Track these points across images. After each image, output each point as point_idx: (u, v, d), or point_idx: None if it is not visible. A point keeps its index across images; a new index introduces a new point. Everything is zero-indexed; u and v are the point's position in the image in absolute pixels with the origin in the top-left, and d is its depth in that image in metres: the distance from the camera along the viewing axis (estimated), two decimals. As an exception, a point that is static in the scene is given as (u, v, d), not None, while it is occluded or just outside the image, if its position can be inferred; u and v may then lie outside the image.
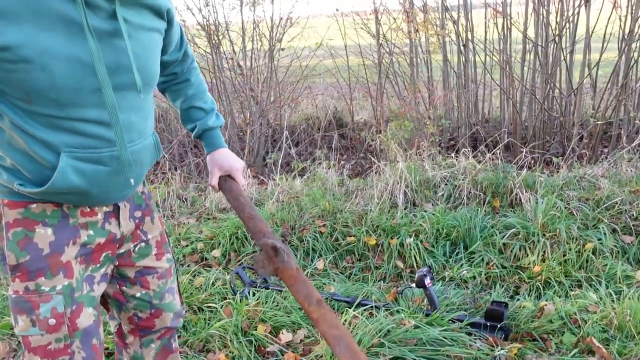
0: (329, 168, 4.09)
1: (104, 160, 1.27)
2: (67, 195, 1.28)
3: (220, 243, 3.24)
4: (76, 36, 1.15)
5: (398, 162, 3.72)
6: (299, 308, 2.51)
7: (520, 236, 2.96)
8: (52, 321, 1.31)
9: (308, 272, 2.95)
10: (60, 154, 1.22)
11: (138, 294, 1.53)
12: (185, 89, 1.66)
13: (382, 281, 2.87)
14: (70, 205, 1.33)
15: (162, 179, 4.34)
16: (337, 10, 5.06)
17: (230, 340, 2.31)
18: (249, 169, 4.26)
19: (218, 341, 2.34)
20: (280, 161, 4.24)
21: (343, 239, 3.15)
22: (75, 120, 1.21)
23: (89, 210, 1.36)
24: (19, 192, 1.24)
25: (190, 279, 2.85)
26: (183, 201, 3.98)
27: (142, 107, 1.36)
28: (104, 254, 1.41)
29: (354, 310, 2.34)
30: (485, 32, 4.95)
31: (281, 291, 2.65)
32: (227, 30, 4.91)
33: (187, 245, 3.29)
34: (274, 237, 1.36)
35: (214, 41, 4.80)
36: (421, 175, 3.65)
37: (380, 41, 4.84)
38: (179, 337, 2.44)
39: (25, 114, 1.19)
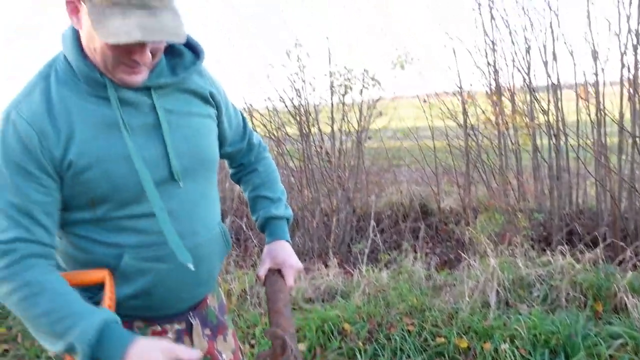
0: (416, 260, 4.03)
1: (166, 257, 1.25)
2: (131, 301, 1.26)
3: (305, 336, 3.22)
4: (119, 136, 1.17)
5: (488, 257, 3.61)
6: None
7: (629, 348, 2.73)
8: None
9: (396, 374, 2.86)
10: (122, 256, 1.22)
11: None
12: (254, 179, 1.61)
13: (475, 389, 2.72)
14: (141, 325, 1.31)
15: (251, 265, 4.44)
16: (424, 101, 5.16)
17: None
18: (334, 257, 4.28)
19: None
20: (367, 250, 4.24)
21: (432, 340, 3.04)
22: (136, 218, 1.22)
23: (160, 329, 1.34)
24: None
25: (276, 374, 2.83)
26: (270, 288, 4.02)
27: (205, 196, 1.35)
28: None
29: None
30: (578, 121, 4.83)
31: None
32: (317, 120, 5.12)
33: (273, 337, 3.30)
34: (291, 337, 1.27)
35: (304, 130, 5.01)
36: (514, 273, 3.50)
37: (467, 131, 4.84)
38: None
39: (89, 223, 1.21)
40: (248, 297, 3.86)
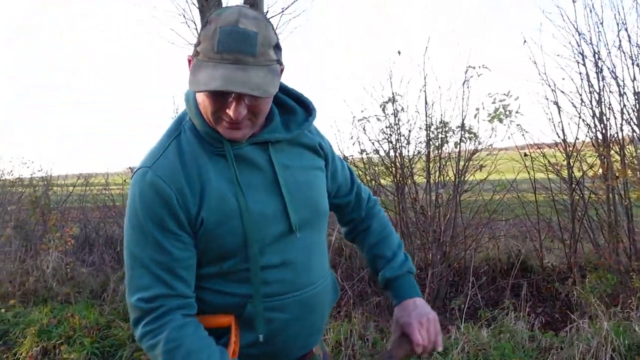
0: (518, 319, 3.84)
1: (287, 306, 1.29)
2: (251, 349, 1.30)
3: (403, 393, 3.14)
4: (241, 193, 1.24)
5: (600, 319, 3.37)
6: None
7: None
8: None
9: None
10: (246, 305, 1.26)
11: None
12: (368, 238, 1.60)
13: None
14: None
15: (345, 315, 4.43)
16: (525, 154, 5.01)
17: None
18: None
19: None
20: (465, 307, 4.10)
21: (540, 407, 2.86)
22: (260, 269, 1.26)
23: None
24: None
25: None
26: (364, 342, 3.98)
27: (319, 246, 1.39)
28: None
29: None
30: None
31: None
32: (412, 173, 5.12)
33: (369, 391, 3.24)
34: None
35: (399, 184, 5.02)
36: (630, 337, 3.24)
37: (573, 185, 4.63)
38: None
39: (216, 276, 1.27)
40: (342, 348, 3.84)
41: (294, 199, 1.31)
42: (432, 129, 5.16)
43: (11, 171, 7.79)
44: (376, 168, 5.43)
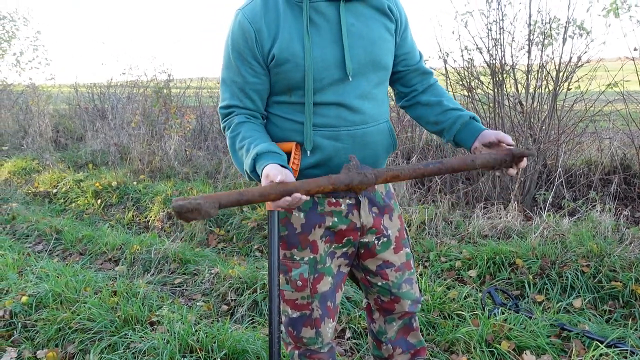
0: (603, 211, 3.89)
1: (340, 137, 1.59)
2: (312, 170, 1.61)
3: (477, 264, 3.42)
4: (303, 36, 1.52)
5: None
6: (547, 335, 2.54)
7: None
8: (299, 283, 1.69)
9: (562, 306, 2.91)
10: (304, 137, 1.59)
11: (379, 283, 1.79)
12: (433, 99, 1.73)
13: (646, 333, 2.67)
14: (320, 195, 1.65)
15: (432, 200, 4.70)
16: (635, 49, 4.73)
17: (474, 348, 2.48)
18: (515, 203, 4.32)
19: (462, 346, 2.54)
20: (550, 199, 4.19)
21: (607, 283, 3.01)
22: (318, 105, 1.57)
23: (334, 201, 1.68)
24: None
25: (444, 291, 3.09)
26: (448, 224, 4.25)
27: (374, 95, 1.64)
28: (346, 238, 1.71)
29: (607, 348, 2.28)
30: None
31: (530, 317, 2.70)
32: (513, 69, 5.05)
33: (446, 262, 3.55)
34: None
35: (497, 79, 5.00)
36: None
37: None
38: (428, 334, 2.71)
39: (286, 105, 1.60)
40: (426, 227, 4.14)
41: (353, 49, 1.57)
42: (538, 24, 4.99)
43: (137, 66, 8.53)
44: (478, 67, 5.37)
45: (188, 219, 1.18)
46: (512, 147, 1.53)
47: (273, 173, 1.41)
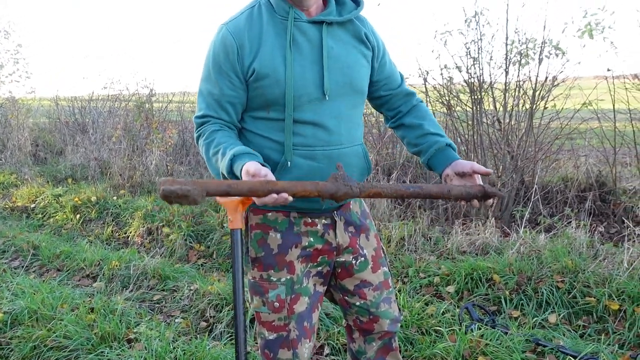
0: (578, 227, 3.97)
1: (317, 156, 1.61)
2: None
3: (455, 280, 3.45)
4: (285, 52, 1.58)
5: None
6: (522, 350, 2.58)
7: None
8: (276, 304, 1.69)
9: (537, 321, 2.96)
10: (283, 152, 1.60)
11: (358, 303, 1.80)
12: (415, 121, 1.79)
13: (619, 348, 2.72)
14: (296, 215, 1.67)
15: (412, 216, 4.74)
16: (608, 70, 4.86)
17: (451, 363, 2.50)
18: (493, 219, 4.38)
19: (439, 361, 2.56)
20: (527, 216, 4.26)
21: (582, 298, 3.07)
22: (296, 123, 1.59)
23: (310, 221, 1.70)
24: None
25: (423, 307, 3.12)
26: (427, 240, 4.29)
27: (349, 117, 1.67)
28: (321, 257, 1.73)
29: (578, 363, 2.32)
30: None
31: (506, 332, 2.74)
32: (491, 87, 5.15)
33: (424, 278, 3.58)
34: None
35: (476, 97, 5.10)
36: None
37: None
38: (406, 350, 2.73)
39: (263, 121, 1.62)
40: (405, 243, 4.18)
41: (331, 70, 1.62)
42: (515, 44, 5.11)
43: (119, 80, 8.52)
44: (455, 87, 5.46)
45: (173, 203, 1.22)
46: (485, 186, 1.63)
47: (255, 168, 1.43)
